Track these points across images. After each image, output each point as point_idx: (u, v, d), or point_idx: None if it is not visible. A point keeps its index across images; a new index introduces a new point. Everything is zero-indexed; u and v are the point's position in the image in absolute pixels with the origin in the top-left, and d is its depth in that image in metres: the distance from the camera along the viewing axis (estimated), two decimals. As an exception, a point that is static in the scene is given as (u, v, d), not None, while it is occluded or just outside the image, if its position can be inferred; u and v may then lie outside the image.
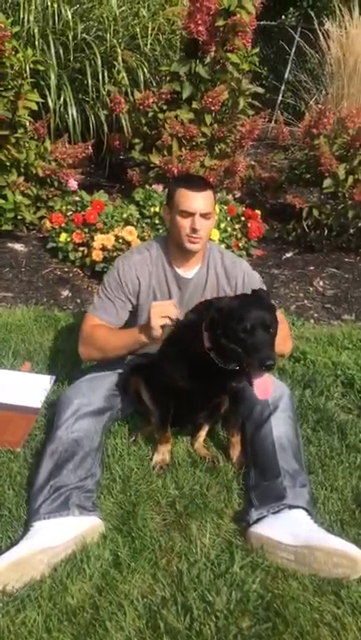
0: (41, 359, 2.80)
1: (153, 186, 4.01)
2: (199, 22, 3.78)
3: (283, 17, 8.35)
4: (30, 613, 1.58)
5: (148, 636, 1.54)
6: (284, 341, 2.24)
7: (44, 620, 1.56)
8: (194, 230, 2.13)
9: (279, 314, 2.29)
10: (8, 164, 3.83)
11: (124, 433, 2.29)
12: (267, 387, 1.79)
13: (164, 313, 1.99)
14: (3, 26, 3.50)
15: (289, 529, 1.80)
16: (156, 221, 3.74)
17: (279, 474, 1.96)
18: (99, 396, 2.17)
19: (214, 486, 2.06)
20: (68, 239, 3.79)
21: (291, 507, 1.88)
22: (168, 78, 4.14)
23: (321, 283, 3.97)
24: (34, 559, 1.69)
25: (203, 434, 2.29)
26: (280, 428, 2.08)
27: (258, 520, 1.87)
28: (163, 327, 2.00)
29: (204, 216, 2.14)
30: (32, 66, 3.94)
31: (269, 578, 1.72)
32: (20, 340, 2.96)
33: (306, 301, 3.73)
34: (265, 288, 2.34)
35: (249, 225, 4.06)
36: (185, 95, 3.98)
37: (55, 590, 1.65)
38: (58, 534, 1.76)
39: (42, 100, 4.03)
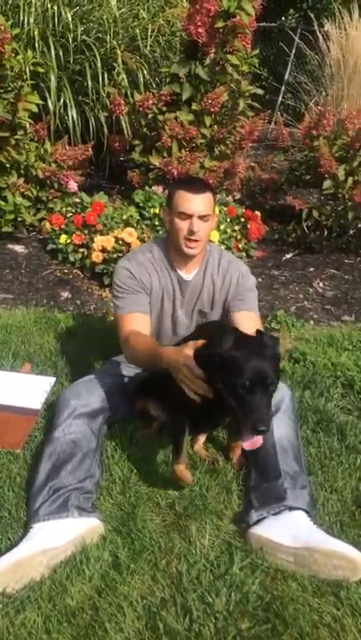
0: (41, 360, 2.80)
1: (153, 187, 4.02)
2: (199, 24, 3.80)
3: (282, 18, 8.37)
4: (30, 614, 1.58)
5: (147, 637, 1.54)
6: None
7: (44, 622, 1.56)
8: (191, 232, 2.12)
9: (258, 318, 2.29)
10: (8, 165, 3.84)
11: (124, 434, 2.29)
12: (256, 443, 1.69)
13: (188, 382, 1.77)
14: (3, 28, 3.51)
15: (289, 530, 1.80)
16: (156, 223, 3.74)
17: (280, 475, 1.96)
18: (96, 397, 2.17)
19: (214, 487, 2.06)
20: (68, 241, 3.80)
21: (291, 508, 1.88)
22: (168, 80, 4.15)
23: (321, 284, 3.97)
24: (33, 560, 1.69)
25: (203, 436, 2.29)
26: (281, 429, 2.08)
27: (258, 521, 1.87)
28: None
29: (203, 218, 2.13)
30: (32, 68, 3.95)
31: (269, 579, 1.72)
32: (20, 341, 2.96)
33: (306, 302, 3.73)
34: (256, 292, 2.32)
35: (249, 226, 4.07)
36: (185, 97, 3.99)
37: (55, 591, 1.65)
38: (57, 536, 1.76)
39: (42, 102, 4.04)
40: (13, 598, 1.62)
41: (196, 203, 2.12)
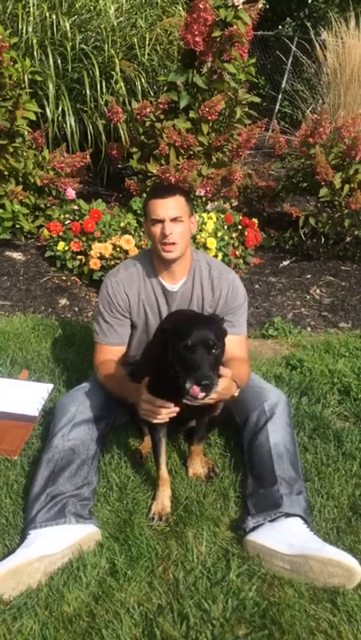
0: (39, 367, 2.81)
1: (150, 195, 4.03)
2: (196, 33, 3.83)
3: (279, 27, 8.43)
4: (27, 622, 1.58)
5: (144, 644, 1.54)
6: (242, 379, 2.12)
7: (41, 629, 1.56)
8: (164, 235, 2.11)
9: (243, 340, 2.29)
10: (6, 173, 3.86)
11: (121, 441, 2.29)
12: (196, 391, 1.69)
13: (152, 414, 1.87)
14: (1, 37, 3.54)
15: (285, 538, 1.81)
16: (154, 230, 3.75)
17: (276, 481, 1.97)
18: (95, 404, 2.17)
19: (211, 494, 2.06)
20: (66, 248, 3.81)
21: (287, 515, 1.88)
22: (165, 88, 4.17)
23: (318, 291, 3.99)
24: (30, 567, 1.69)
25: (199, 445, 2.29)
26: (277, 435, 2.09)
27: (254, 528, 1.87)
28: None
29: (175, 220, 2.12)
30: (30, 76, 3.98)
31: (266, 585, 1.73)
32: (17, 348, 2.97)
33: (303, 309, 3.75)
34: (246, 305, 2.32)
35: (246, 233, 4.09)
36: (182, 105, 4.02)
37: (52, 598, 1.65)
38: (54, 542, 1.76)
39: (40, 110, 4.07)
40: (10, 605, 1.63)
41: (165, 207, 2.12)
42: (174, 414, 1.85)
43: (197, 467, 2.17)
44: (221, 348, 1.78)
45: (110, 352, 2.25)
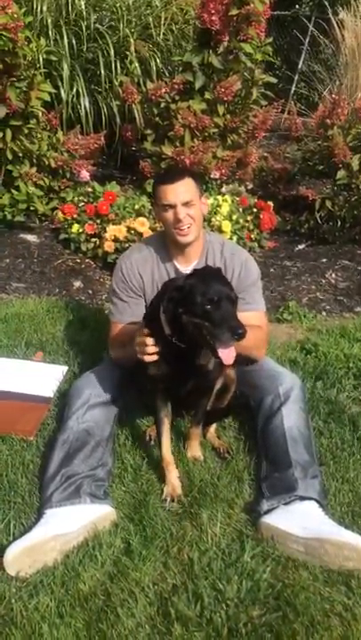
0: (53, 349, 2.82)
1: (165, 177, 4.00)
2: (212, 11, 3.76)
3: (297, 6, 8.26)
4: (43, 599, 1.60)
5: (158, 622, 1.55)
6: (259, 348, 2.22)
7: (57, 606, 1.58)
8: (178, 220, 2.13)
9: (262, 315, 2.30)
10: (21, 154, 3.84)
11: (136, 423, 2.30)
12: (231, 353, 1.76)
13: (143, 350, 1.92)
14: (16, 16, 3.49)
15: (299, 521, 1.81)
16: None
17: (290, 465, 1.96)
18: (109, 386, 2.18)
19: (225, 476, 2.06)
20: (81, 230, 3.80)
21: (302, 498, 1.88)
22: (181, 68, 4.12)
23: (333, 275, 3.95)
24: (46, 546, 1.71)
25: (213, 425, 2.29)
26: (291, 419, 2.08)
27: (269, 511, 1.88)
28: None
29: (186, 205, 2.13)
30: (45, 56, 3.94)
31: (280, 568, 1.73)
32: (32, 330, 2.98)
33: (318, 293, 3.72)
34: (260, 283, 2.33)
35: (261, 217, 4.04)
36: (197, 85, 3.96)
37: (67, 576, 1.67)
38: (70, 521, 1.78)
39: (54, 91, 4.03)
40: (27, 582, 1.65)
41: (175, 192, 2.12)
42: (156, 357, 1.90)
43: (196, 450, 2.17)
44: (237, 298, 1.84)
45: (123, 329, 2.25)
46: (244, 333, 1.70)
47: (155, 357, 1.91)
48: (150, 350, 1.90)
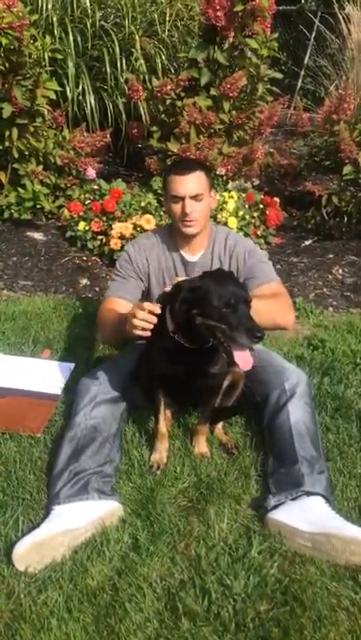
0: (60, 347, 2.83)
1: (171, 174, 3.99)
2: (217, 7, 3.74)
3: (302, 1, 8.20)
4: (52, 594, 1.61)
5: (166, 617, 1.56)
6: (284, 312, 2.22)
7: (65, 601, 1.59)
8: (185, 214, 2.15)
9: (279, 285, 2.32)
10: (27, 153, 3.85)
11: (143, 419, 2.31)
12: (249, 358, 1.76)
13: (142, 319, 1.84)
14: (21, 14, 3.50)
15: (306, 516, 1.81)
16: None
17: (297, 460, 1.97)
18: (116, 383, 2.19)
19: (232, 472, 2.07)
20: (87, 228, 3.81)
21: (309, 493, 1.88)
22: (186, 65, 4.11)
23: (340, 271, 3.93)
24: (54, 541, 1.72)
25: (221, 422, 2.30)
26: (297, 414, 2.08)
27: (276, 506, 1.88)
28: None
29: (195, 198, 2.15)
30: (50, 54, 3.94)
31: (287, 563, 1.73)
32: (39, 327, 2.99)
33: (325, 289, 3.71)
34: (267, 259, 2.35)
35: (267, 213, 4.04)
36: (203, 82, 3.95)
37: (76, 572, 1.68)
38: (78, 517, 1.79)
39: (60, 89, 4.03)
40: (35, 578, 1.66)
41: (185, 184, 2.14)
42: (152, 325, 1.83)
43: (203, 446, 2.18)
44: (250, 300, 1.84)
45: (117, 304, 2.25)
46: (262, 336, 1.71)
47: (147, 333, 1.84)
48: (150, 321, 1.82)
